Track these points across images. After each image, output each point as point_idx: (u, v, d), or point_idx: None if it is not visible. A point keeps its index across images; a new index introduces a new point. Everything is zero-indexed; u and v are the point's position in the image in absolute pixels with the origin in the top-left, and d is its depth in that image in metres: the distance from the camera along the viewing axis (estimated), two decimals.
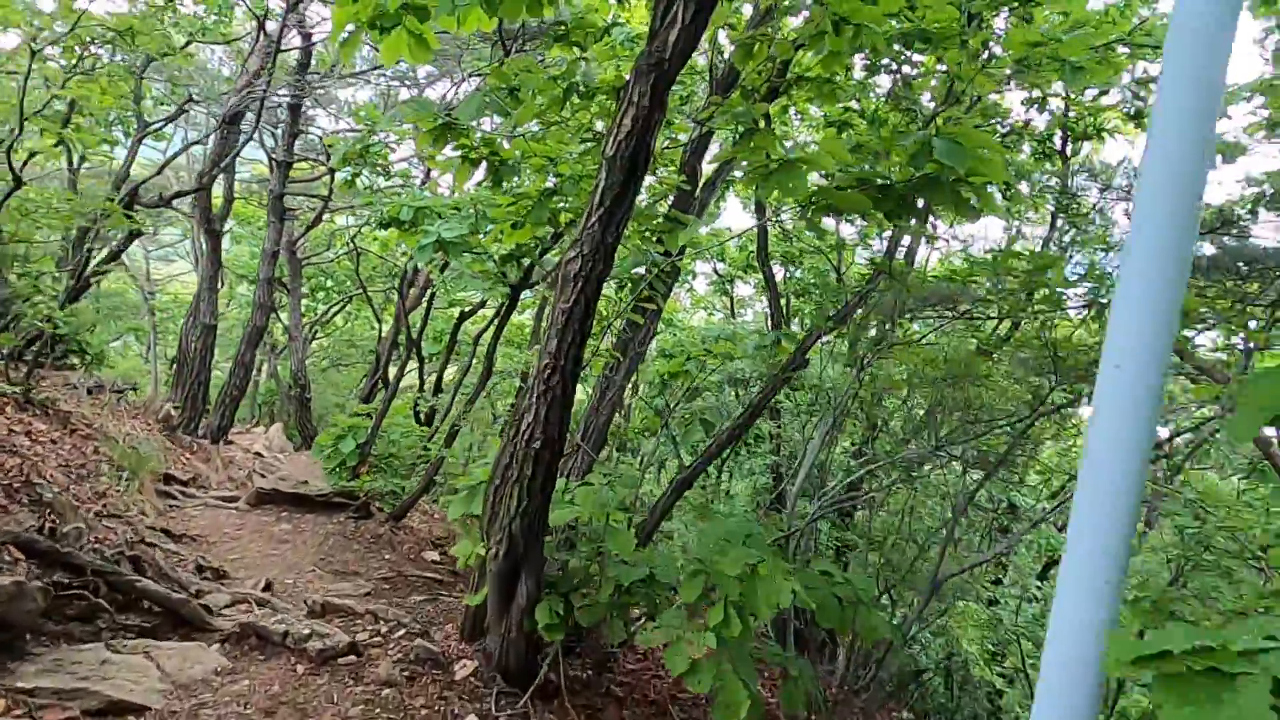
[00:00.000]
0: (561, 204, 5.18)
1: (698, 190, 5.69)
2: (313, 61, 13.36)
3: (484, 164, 5.38)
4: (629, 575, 3.57)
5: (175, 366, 13.89)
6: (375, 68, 14.33)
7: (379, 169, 8.56)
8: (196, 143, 11.01)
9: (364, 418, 9.40)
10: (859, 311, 6.38)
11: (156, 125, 13.59)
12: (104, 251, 11.95)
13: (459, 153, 5.28)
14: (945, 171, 3.08)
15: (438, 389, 15.71)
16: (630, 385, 10.80)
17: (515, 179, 5.35)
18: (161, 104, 13.46)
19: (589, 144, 4.51)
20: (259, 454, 14.20)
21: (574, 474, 5.35)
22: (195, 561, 6.67)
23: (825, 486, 6.33)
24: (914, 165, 3.11)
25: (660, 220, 4.49)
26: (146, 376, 22.78)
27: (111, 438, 9.02)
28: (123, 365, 26.78)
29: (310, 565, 7.41)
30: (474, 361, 13.47)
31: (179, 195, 10.40)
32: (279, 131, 13.98)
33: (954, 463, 5.05)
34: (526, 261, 8.35)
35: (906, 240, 15.20)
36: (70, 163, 14.72)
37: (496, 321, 9.41)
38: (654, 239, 4.72)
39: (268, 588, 6.53)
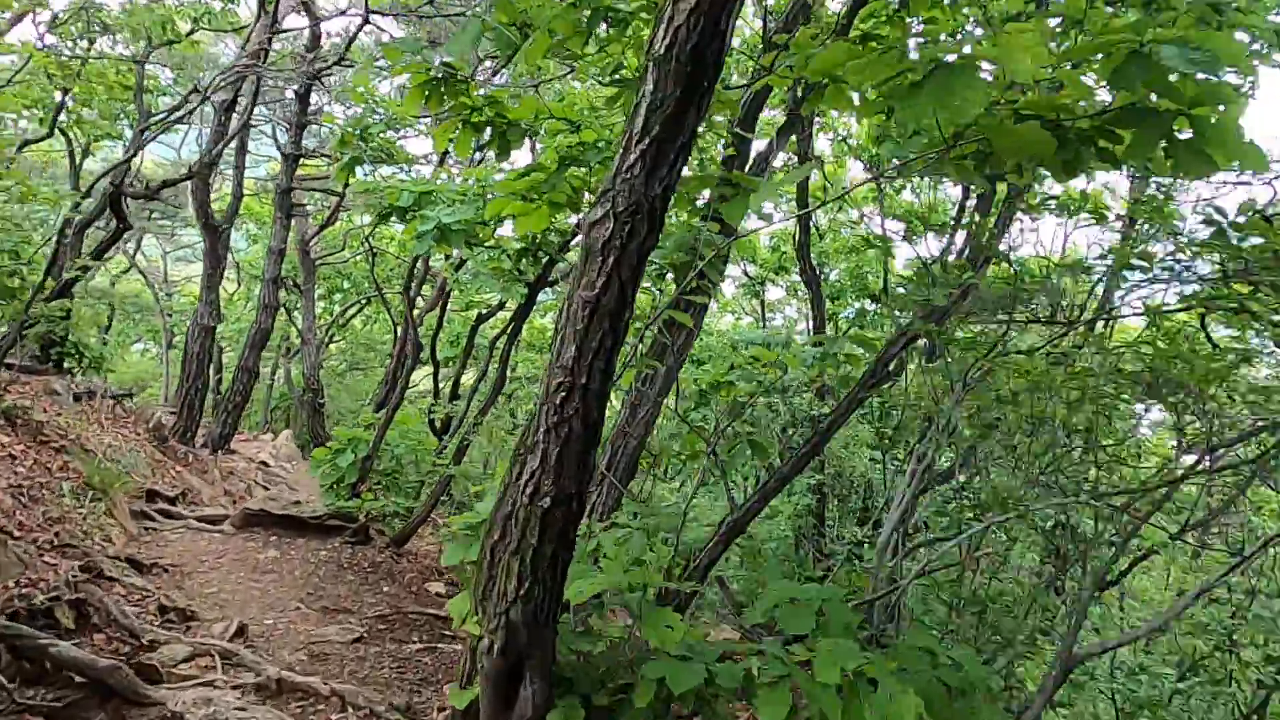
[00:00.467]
0: (585, 176, 4.13)
1: (748, 157, 4.62)
2: (322, 48, 12.44)
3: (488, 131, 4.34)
4: (679, 678, 2.51)
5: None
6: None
7: (381, 155, 7.56)
8: (179, 119, 10.07)
9: (369, 429, 8.40)
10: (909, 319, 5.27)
11: (159, 117, 12.74)
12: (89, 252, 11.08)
13: (459, 116, 4.24)
14: (1168, 94, 2.00)
15: (454, 395, 14.71)
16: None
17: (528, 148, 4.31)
18: (163, 94, 12.60)
19: (620, 86, 3.46)
20: (264, 463, 13.30)
21: (598, 510, 4.30)
22: (159, 600, 5.67)
23: (888, 525, 5.18)
24: (1119, 84, 2.03)
25: (717, 184, 3.41)
26: (161, 380, 22.06)
27: (88, 450, 8.09)
28: (140, 368, 26.14)
29: (295, 601, 6.41)
30: (490, 367, 12.48)
31: (166, 185, 9.50)
32: (290, 124, 13.09)
33: (1075, 503, 3.94)
34: (545, 257, 7.31)
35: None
36: (72, 156, 13.94)
37: (512, 324, 8.38)
38: (704, 213, 3.65)
39: (240, 633, 5.53)
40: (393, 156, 7.68)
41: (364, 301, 21.70)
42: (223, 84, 8.65)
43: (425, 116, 12.83)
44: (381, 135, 7.46)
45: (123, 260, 22.64)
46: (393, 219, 7.13)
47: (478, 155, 11.27)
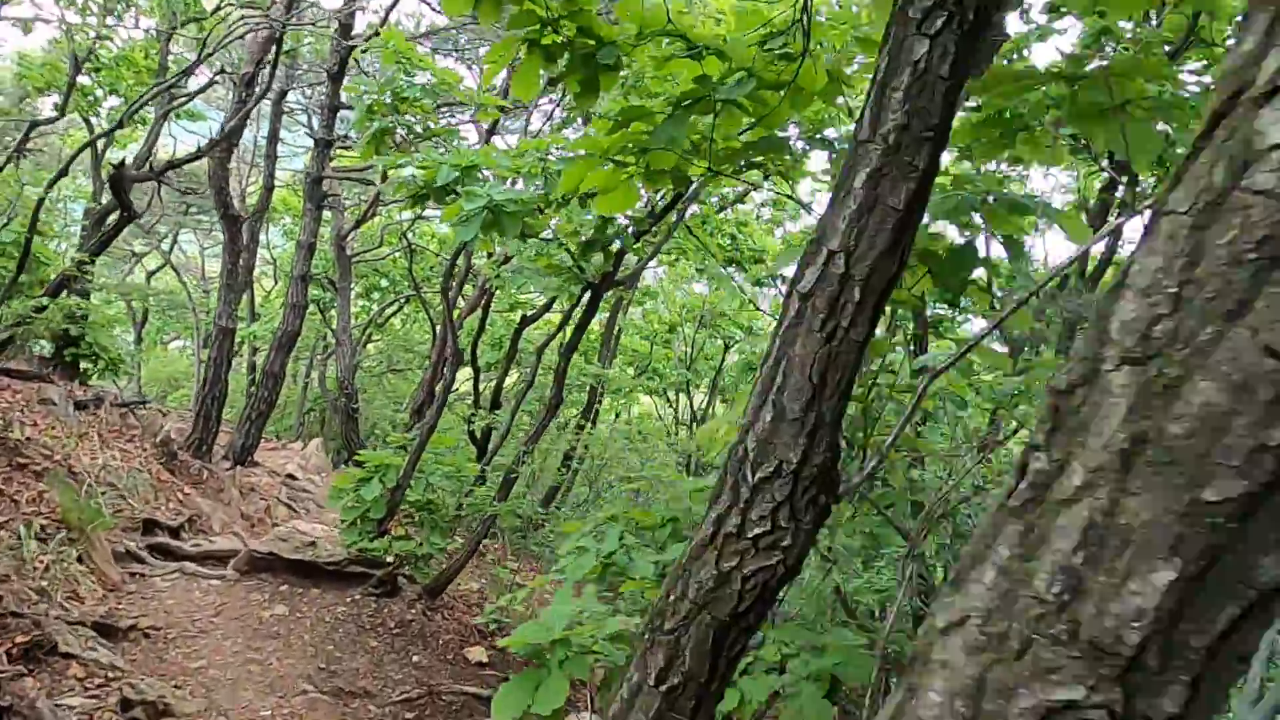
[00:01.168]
0: (710, 128, 2.69)
1: None
2: (361, 25, 11.18)
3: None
4: None
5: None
6: (433, 31, 12.14)
7: (416, 131, 6.19)
8: (172, 83, 8.79)
9: (401, 453, 7.04)
10: None
11: (184, 100, 11.60)
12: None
13: (522, 33, 2.82)
14: None
15: (495, 404, 13.40)
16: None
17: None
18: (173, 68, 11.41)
19: None
20: (291, 476, 12.07)
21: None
22: (124, 688, 4.35)
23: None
24: None
25: None
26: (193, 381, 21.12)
27: (75, 474, 6.85)
28: (174, 366, 25.35)
29: (303, 679, 5.05)
30: (536, 375, 11.11)
31: (172, 165, 8.26)
32: (323, 107, 11.86)
33: None
34: (617, 248, 5.90)
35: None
36: (94, 143, 12.85)
37: (569, 334, 6.98)
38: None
39: None
40: (430, 132, 6.29)
41: (402, 301, 20.51)
42: (229, 41, 7.37)
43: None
44: (419, 104, 6.08)
45: (156, 255, 21.79)
46: (428, 204, 5.78)
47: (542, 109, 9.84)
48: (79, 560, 5.57)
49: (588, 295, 6.75)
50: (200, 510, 8.14)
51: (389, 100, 6.09)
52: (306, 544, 6.37)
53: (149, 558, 6.24)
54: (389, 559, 6.39)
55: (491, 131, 8.89)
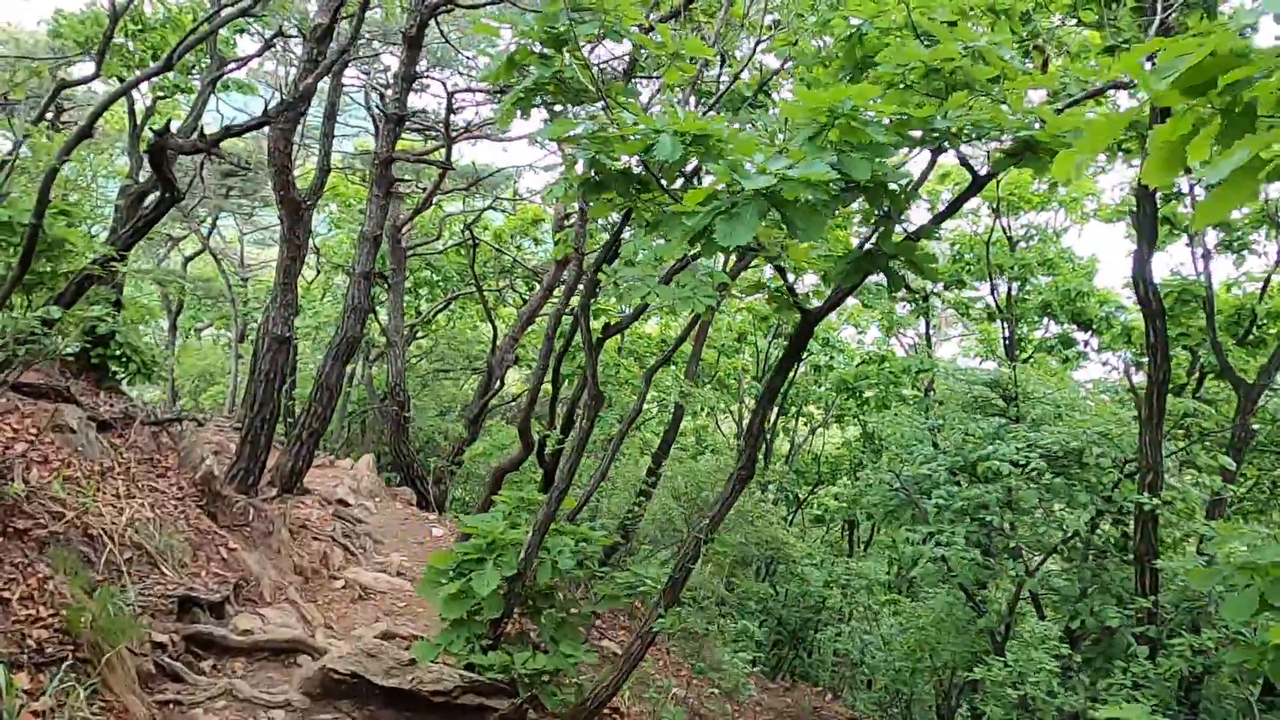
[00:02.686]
0: None
1: None
2: None
3: None
4: None
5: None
6: None
7: (581, 91, 4.30)
8: (202, 37, 6.75)
9: (517, 524, 5.19)
10: None
11: (233, 66, 9.83)
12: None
13: None
14: None
15: (567, 424, 11.55)
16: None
17: None
18: (241, 31, 9.66)
19: None
20: (342, 503, 10.28)
21: None
22: None
23: None
24: None
25: None
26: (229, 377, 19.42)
27: (91, 538, 5.06)
28: (209, 360, 23.73)
29: None
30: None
31: (229, 134, 6.46)
32: (388, 78, 10.05)
33: None
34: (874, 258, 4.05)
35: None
36: (132, 114, 11.12)
37: (768, 376, 5.13)
38: None
39: None
40: (590, 95, 4.40)
41: (453, 297, 18.66)
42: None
43: None
44: (578, 55, 4.20)
45: (193, 240, 20.11)
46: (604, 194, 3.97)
47: None
48: (91, 695, 3.76)
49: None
50: (248, 570, 6.34)
51: (538, 49, 4.22)
52: (404, 664, 4.51)
53: (186, 672, 4.42)
54: (517, 682, 4.54)
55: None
